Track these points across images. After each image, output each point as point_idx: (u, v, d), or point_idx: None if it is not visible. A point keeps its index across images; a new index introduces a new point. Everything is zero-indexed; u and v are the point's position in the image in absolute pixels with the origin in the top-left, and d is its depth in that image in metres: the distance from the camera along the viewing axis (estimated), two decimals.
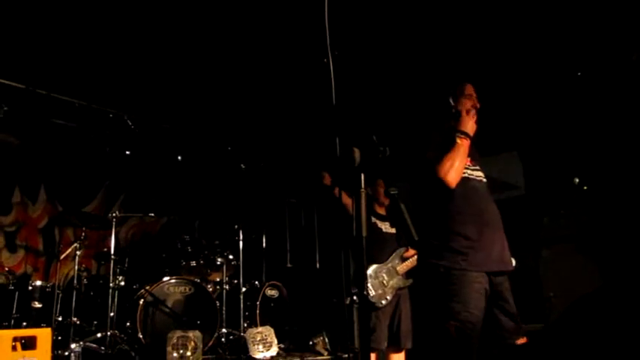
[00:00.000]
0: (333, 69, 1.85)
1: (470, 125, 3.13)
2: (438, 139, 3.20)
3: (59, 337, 5.07)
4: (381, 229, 4.78)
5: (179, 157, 6.58)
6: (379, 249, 4.68)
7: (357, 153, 1.78)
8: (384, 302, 4.52)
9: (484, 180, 3.25)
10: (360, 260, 1.75)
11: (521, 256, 3.73)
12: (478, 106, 3.27)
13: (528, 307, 4.05)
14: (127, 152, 6.61)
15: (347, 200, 4.40)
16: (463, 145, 3.07)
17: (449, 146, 3.07)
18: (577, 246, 5.42)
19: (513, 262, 3.44)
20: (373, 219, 4.75)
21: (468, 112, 3.16)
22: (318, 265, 7.02)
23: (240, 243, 5.95)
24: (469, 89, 3.30)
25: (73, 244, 5.58)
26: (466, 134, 3.09)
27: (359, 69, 4.81)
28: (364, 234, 1.70)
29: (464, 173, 3.11)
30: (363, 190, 1.73)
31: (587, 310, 4.91)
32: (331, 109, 1.83)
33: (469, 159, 3.21)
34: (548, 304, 5.36)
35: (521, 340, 3.02)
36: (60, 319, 5.22)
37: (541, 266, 5.66)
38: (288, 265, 7.13)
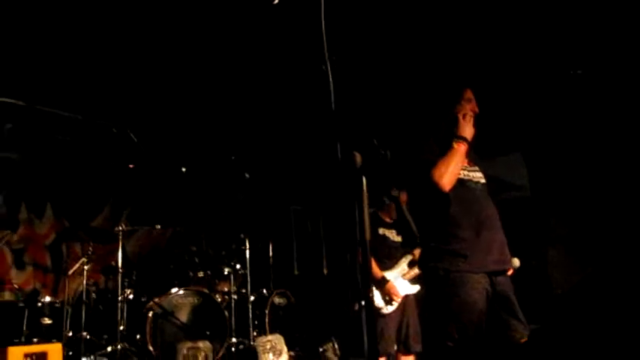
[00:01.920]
0: (331, 74, 1.87)
1: (467, 130, 3.14)
2: (435, 146, 3.22)
3: (70, 353, 5.08)
4: (388, 238, 4.82)
5: (183, 169, 6.60)
6: (386, 257, 4.71)
7: (358, 157, 1.80)
8: (390, 309, 4.53)
9: (482, 181, 3.27)
10: (365, 264, 1.75)
11: (528, 256, 3.73)
12: (477, 110, 3.28)
13: (536, 308, 4.05)
14: (131, 166, 6.63)
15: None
16: (459, 149, 3.09)
17: (445, 150, 3.09)
18: (583, 245, 5.42)
19: (517, 262, 3.45)
20: (381, 229, 4.79)
21: (464, 116, 3.17)
22: (325, 272, 7.02)
23: (247, 252, 5.96)
24: (468, 94, 3.32)
25: (80, 259, 5.60)
26: (464, 139, 3.10)
27: (357, 73, 4.83)
28: (368, 237, 1.70)
29: (459, 175, 3.13)
30: (365, 193, 1.74)
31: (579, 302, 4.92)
32: (331, 115, 1.85)
33: (466, 160, 3.23)
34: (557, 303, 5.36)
35: (525, 339, 3.03)
36: (70, 334, 5.24)
37: (549, 266, 5.66)
38: (296, 273, 7.14)
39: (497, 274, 3.11)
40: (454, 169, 3.06)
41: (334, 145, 1.81)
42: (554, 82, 5.58)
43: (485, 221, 3.16)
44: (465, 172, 3.21)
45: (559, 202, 5.77)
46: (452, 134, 3.13)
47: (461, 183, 3.15)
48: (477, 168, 3.31)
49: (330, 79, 1.85)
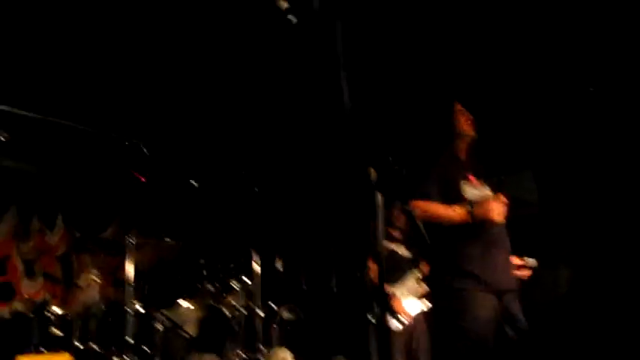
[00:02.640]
0: (347, 89, 1.89)
1: (483, 215, 3.09)
2: (450, 163, 3.24)
3: None
4: (397, 253, 4.82)
5: (194, 182, 6.62)
6: (394, 272, 4.71)
7: (373, 173, 1.81)
8: (399, 325, 4.51)
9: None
10: (381, 279, 1.76)
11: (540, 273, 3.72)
12: (472, 118, 3.33)
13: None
14: (143, 179, 6.66)
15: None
16: (455, 219, 3.09)
17: (451, 195, 3.10)
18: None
19: (534, 261, 3.42)
20: (389, 244, 4.78)
21: (499, 215, 3.11)
22: (334, 287, 7.00)
23: (256, 266, 5.95)
24: (457, 106, 3.38)
25: (90, 270, 5.61)
26: (473, 218, 3.09)
27: (373, 88, 4.86)
28: (383, 253, 1.72)
29: (469, 195, 3.16)
30: (380, 208, 1.75)
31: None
32: (345, 130, 1.86)
33: (474, 178, 3.25)
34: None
35: None
36: (79, 345, 5.24)
37: (561, 283, 5.64)
38: (304, 287, 7.12)
39: (505, 292, 3.12)
40: (432, 220, 3.11)
41: (348, 161, 1.83)
42: (565, 99, 5.58)
43: (494, 239, 3.18)
44: (472, 190, 3.23)
45: (565, 219, 5.76)
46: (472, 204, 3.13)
47: (470, 202, 3.17)
48: (486, 186, 3.33)
49: (346, 95, 1.87)
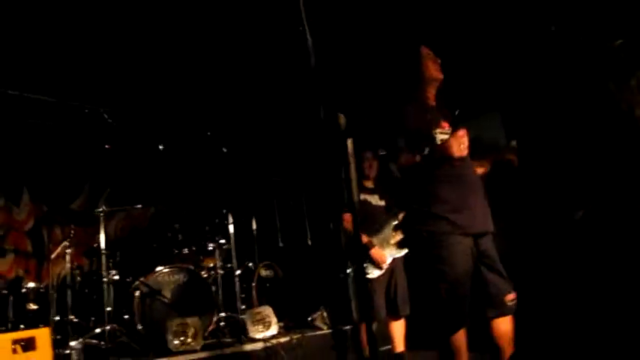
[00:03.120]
0: (310, 36, 1.83)
1: (449, 153, 3.02)
2: (412, 116, 3.21)
3: (58, 337, 5.05)
4: (370, 202, 4.81)
5: (160, 147, 6.52)
6: (370, 222, 4.70)
7: (342, 119, 1.77)
8: (377, 273, 4.53)
9: None
10: (356, 227, 1.74)
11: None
12: (439, 60, 3.30)
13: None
14: (107, 146, 6.53)
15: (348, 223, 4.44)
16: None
17: (423, 144, 3.08)
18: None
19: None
20: (362, 195, 4.76)
21: (459, 150, 3.01)
22: (309, 242, 7.03)
23: (231, 227, 5.93)
24: (424, 50, 3.33)
25: (62, 242, 5.54)
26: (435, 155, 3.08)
27: (340, 36, 4.77)
28: (356, 199, 1.69)
29: (440, 140, 3.14)
30: (351, 155, 1.72)
31: None
32: (311, 78, 1.81)
33: (446, 122, 3.23)
34: None
35: (511, 296, 3.08)
36: (57, 318, 5.21)
37: None
38: (280, 245, 7.14)
39: (481, 235, 3.15)
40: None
41: (316, 109, 1.78)
42: (527, 39, 5.56)
43: (468, 183, 3.18)
44: (445, 136, 3.21)
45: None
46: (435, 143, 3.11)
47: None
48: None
49: (311, 43, 1.81)
